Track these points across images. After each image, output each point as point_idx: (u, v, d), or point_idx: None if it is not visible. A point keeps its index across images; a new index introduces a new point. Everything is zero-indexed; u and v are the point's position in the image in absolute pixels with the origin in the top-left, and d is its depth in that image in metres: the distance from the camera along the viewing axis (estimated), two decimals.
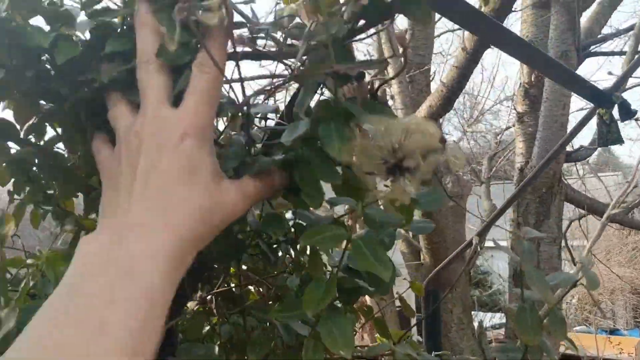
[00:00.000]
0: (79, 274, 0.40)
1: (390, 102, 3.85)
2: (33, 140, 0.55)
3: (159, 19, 0.47)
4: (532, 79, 3.51)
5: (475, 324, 4.47)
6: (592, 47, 3.53)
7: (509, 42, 0.84)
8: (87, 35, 0.51)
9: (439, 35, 4.93)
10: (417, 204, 0.57)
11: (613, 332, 8.31)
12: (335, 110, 0.49)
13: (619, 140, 0.94)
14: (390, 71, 3.25)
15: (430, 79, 3.59)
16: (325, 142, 0.47)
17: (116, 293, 0.38)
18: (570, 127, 3.44)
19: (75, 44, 0.49)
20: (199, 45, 0.47)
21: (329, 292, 0.53)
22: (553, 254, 3.48)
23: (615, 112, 0.96)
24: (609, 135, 0.95)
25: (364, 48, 5.20)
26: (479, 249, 1.21)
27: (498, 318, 11.08)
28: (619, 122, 0.95)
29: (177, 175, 0.44)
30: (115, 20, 0.52)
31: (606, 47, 3.94)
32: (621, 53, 3.78)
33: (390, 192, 0.45)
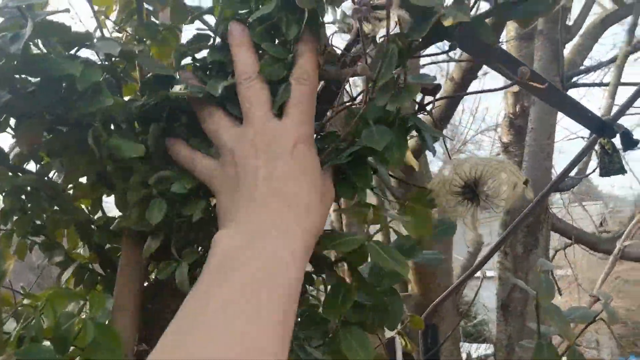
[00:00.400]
0: (228, 266, 0.43)
1: None
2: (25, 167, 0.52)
3: (259, 38, 0.52)
4: (517, 110, 3.54)
5: (464, 356, 4.42)
6: (575, 78, 3.59)
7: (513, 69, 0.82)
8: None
9: (423, 66, 4.96)
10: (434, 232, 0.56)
11: None
12: (400, 121, 0.53)
13: (622, 171, 0.93)
14: None
15: None
16: (385, 149, 0.50)
17: (265, 281, 0.42)
18: (555, 155, 3.47)
19: (98, 69, 0.48)
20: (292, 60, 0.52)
21: (349, 297, 0.55)
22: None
23: (617, 142, 0.95)
24: (611, 166, 0.93)
25: None
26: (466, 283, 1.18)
27: (484, 349, 11.01)
28: (620, 152, 0.94)
29: (295, 177, 0.49)
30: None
31: (588, 78, 4.01)
32: (602, 84, 3.85)
33: (460, 212, 0.52)
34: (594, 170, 3.01)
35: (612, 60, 3.53)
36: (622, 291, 10.82)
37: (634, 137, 0.93)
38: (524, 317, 3.38)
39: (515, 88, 3.50)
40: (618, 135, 0.94)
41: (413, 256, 0.59)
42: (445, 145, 0.68)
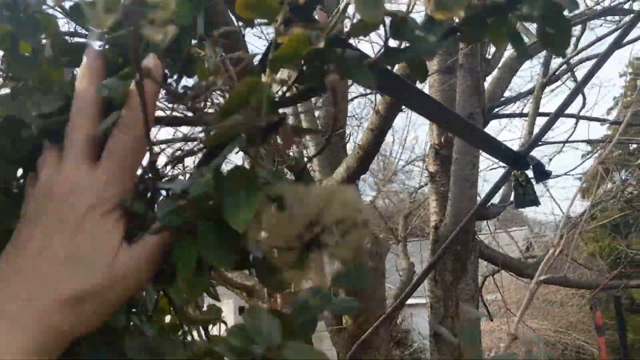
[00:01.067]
0: None
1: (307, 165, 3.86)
2: None
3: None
4: (442, 141, 3.63)
5: None
6: (495, 109, 3.73)
7: (426, 106, 0.82)
8: None
9: (352, 99, 5.07)
10: (338, 282, 0.50)
11: None
12: (247, 177, 0.42)
13: (536, 202, 0.94)
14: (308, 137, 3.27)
15: (346, 141, 3.64)
16: (227, 211, 0.40)
17: None
18: (480, 184, 3.57)
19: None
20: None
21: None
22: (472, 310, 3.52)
23: (530, 173, 0.96)
24: (525, 197, 0.95)
25: None
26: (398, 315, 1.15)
27: None
28: (534, 183, 0.95)
29: (67, 258, 0.41)
30: None
31: (508, 109, 4.20)
32: (522, 115, 4.04)
33: (303, 273, 0.37)
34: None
35: (530, 92, 3.71)
36: (549, 313, 11.23)
37: (546, 169, 0.95)
38: (455, 347, 3.41)
39: None
40: (531, 167, 0.96)
41: (313, 328, 0.53)
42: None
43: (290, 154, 4.07)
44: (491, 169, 4.51)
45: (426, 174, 3.98)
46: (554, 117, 1.10)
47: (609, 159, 5.61)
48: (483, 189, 4.75)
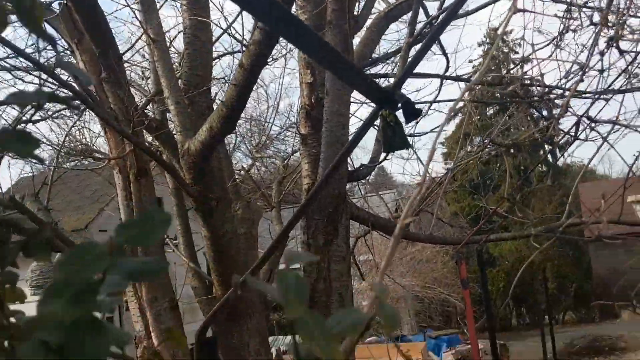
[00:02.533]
0: None
1: (170, 125, 3.59)
2: None
3: None
4: (313, 101, 3.54)
5: (274, 351, 4.35)
6: (365, 69, 3.69)
7: (299, 34, 0.68)
8: None
9: (219, 57, 4.81)
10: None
11: (400, 338, 8.91)
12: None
13: (406, 144, 0.84)
14: (166, 92, 3.01)
15: (212, 100, 3.41)
16: None
17: None
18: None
19: None
20: None
21: None
22: (343, 271, 3.51)
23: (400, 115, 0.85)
24: (394, 139, 0.83)
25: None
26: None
27: (298, 339, 11.28)
28: (404, 124, 0.85)
29: None
30: None
31: (377, 69, 4.19)
32: (390, 75, 4.05)
33: None
34: (385, 158, 3.07)
35: (398, 52, 3.72)
36: (416, 270, 11.87)
37: (416, 106, 0.84)
38: (328, 308, 3.39)
39: (310, 79, 3.50)
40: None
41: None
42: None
43: (150, 114, 3.77)
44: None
45: (299, 136, 3.88)
46: (419, 56, 1.00)
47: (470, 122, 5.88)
48: (354, 150, 4.76)
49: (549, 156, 27.97)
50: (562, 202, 16.56)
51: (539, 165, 27.89)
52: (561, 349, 11.05)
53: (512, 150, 25.63)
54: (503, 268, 17.69)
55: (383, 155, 3.69)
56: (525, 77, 3.75)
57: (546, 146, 27.91)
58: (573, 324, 17.30)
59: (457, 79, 3.68)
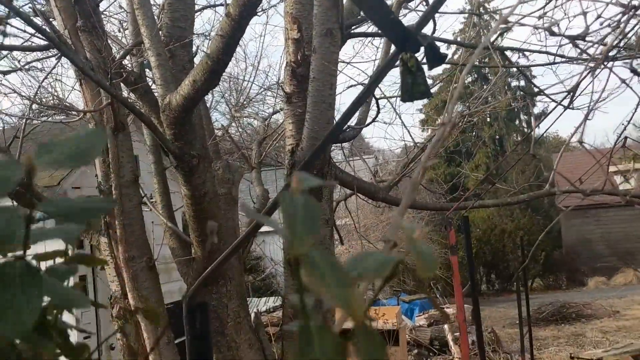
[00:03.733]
0: None
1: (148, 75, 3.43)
2: None
3: None
4: (299, 58, 3.40)
5: (252, 313, 4.32)
6: (353, 27, 3.56)
7: None
8: None
9: (200, 11, 4.61)
10: None
11: (374, 303, 9.00)
12: None
13: (427, 94, 0.74)
14: (147, 42, 2.85)
15: (194, 54, 3.26)
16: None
17: None
18: (336, 106, 3.43)
19: None
20: None
21: None
22: (326, 235, 3.45)
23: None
24: (414, 88, 0.73)
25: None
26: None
27: (272, 301, 11.33)
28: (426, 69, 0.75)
29: None
30: None
31: (364, 28, 4.04)
32: (379, 35, 3.92)
33: None
34: (373, 120, 2.96)
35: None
36: (398, 238, 11.97)
37: (440, 51, 0.74)
38: None
39: (296, 35, 3.36)
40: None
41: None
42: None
43: (128, 66, 3.59)
44: (349, 87, 4.40)
45: (281, 98, 3.75)
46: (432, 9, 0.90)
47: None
48: (340, 110, 4.64)
49: (524, 126, 28.23)
50: (536, 172, 16.77)
51: (514, 134, 28.12)
52: (530, 315, 11.32)
53: (488, 119, 25.75)
54: (475, 235, 17.95)
55: (370, 119, 3.59)
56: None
57: (522, 116, 28.14)
58: (541, 290, 17.74)
59: (463, 44, 3.58)
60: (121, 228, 2.99)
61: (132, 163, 3.05)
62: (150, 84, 3.36)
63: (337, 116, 3.65)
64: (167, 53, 2.83)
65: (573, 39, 2.68)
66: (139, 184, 3.23)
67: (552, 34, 2.60)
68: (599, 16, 2.61)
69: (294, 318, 3.36)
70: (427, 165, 0.66)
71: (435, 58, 0.75)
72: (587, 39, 2.43)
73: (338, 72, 3.41)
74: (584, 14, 2.45)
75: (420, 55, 0.80)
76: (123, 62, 3.22)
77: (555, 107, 3.02)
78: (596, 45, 2.62)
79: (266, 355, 3.63)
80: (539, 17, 3.00)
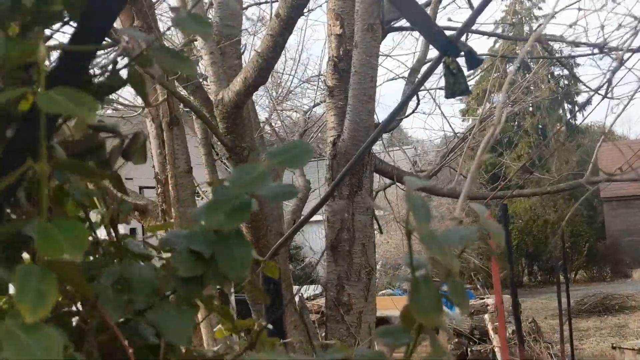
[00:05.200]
0: None
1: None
2: None
3: None
4: (341, 53, 3.55)
5: (296, 298, 4.50)
6: (394, 22, 3.68)
7: None
8: None
9: (246, 8, 4.80)
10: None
11: None
12: None
13: (467, 91, 0.89)
14: (200, 41, 3.05)
15: (242, 51, 3.45)
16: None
17: None
18: (377, 98, 3.56)
19: None
20: None
21: None
22: (367, 222, 3.59)
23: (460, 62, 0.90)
24: (456, 86, 0.89)
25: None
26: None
27: (312, 290, 11.56)
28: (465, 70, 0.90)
29: None
30: None
31: (405, 22, 4.13)
32: (408, 28, 4.01)
33: None
34: (413, 111, 3.10)
35: (427, 4, 3.70)
36: (431, 226, 12.03)
37: (478, 55, 0.89)
38: (351, 256, 3.48)
39: (339, 30, 3.50)
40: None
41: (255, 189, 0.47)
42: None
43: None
44: (389, 80, 4.52)
45: (322, 91, 3.90)
46: (476, 14, 1.04)
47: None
48: (380, 102, 4.76)
49: (568, 115, 27.61)
50: (580, 161, 16.46)
51: (557, 124, 27.54)
52: (572, 306, 11.23)
53: (530, 109, 25.33)
54: (517, 226, 17.79)
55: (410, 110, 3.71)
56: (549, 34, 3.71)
57: (565, 105, 27.53)
58: (584, 282, 17.48)
59: (502, 36, 3.66)
60: (177, 215, 3.20)
61: (186, 155, 3.26)
62: (200, 80, 3.56)
63: (377, 108, 3.79)
64: (218, 51, 3.02)
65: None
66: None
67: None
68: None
69: (336, 302, 3.52)
70: (482, 159, 0.80)
71: (473, 62, 0.90)
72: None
73: (378, 65, 3.54)
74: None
75: (460, 58, 0.95)
76: None
77: (592, 96, 3.08)
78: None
79: (310, 337, 3.81)
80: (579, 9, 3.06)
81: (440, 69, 1.16)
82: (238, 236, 0.49)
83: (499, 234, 0.58)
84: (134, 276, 0.57)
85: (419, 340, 0.54)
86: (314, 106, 6.56)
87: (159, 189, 3.20)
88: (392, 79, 4.46)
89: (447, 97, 0.89)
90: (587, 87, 3.75)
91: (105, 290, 0.55)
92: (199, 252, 0.49)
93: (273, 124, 7.20)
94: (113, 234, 0.69)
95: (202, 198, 3.74)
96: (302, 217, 2.10)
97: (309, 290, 11.50)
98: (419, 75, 4.08)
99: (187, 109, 3.30)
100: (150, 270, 0.59)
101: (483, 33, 3.73)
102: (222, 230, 0.49)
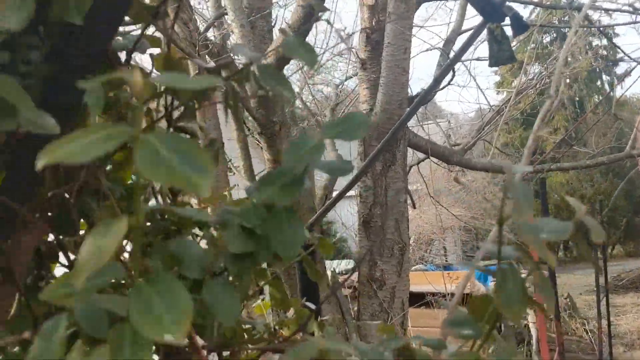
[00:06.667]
0: None
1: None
2: None
3: None
4: (373, 24, 3.47)
5: (328, 272, 4.51)
6: None
7: None
8: None
9: None
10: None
11: (447, 268, 9.04)
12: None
13: (512, 59, 0.83)
14: (231, 14, 3.01)
15: (272, 24, 3.39)
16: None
17: None
18: (410, 70, 3.48)
19: None
20: None
21: None
22: (400, 198, 3.55)
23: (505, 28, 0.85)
24: (500, 54, 0.83)
25: None
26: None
27: (344, 264, 11.60)
28: (510, 37, 0.84)
29: None
30: None
31: None
32: None
33: None
34: (449, 83, 3.03)
35: None
36: (465, 201, 11.87)
37: (524, 20, 0.83)
38: (384, 232, 3.45)
39: (371, 1, 3.42)
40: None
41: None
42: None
43: (212, 37, 3.78)
44: (424, 51, 4.40)
45: (354, 65, 3.83)
46: None
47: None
48: (413, 75, 4.67)
49: (607, 87, 26.77)
50: (618, 134, 16.01)
51: (595, 96, 26.77)
52: (608, 282, 11.03)
53: (567, 80, 24.60)
54: (553, 201, 17.46)
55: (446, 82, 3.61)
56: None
57: (604, 77, 26.68)
58: (621, 257, 17.14)
59: (541, 5, 3.53)
60: (210, 189, 3.21)
61: (218, 130, 3.25)
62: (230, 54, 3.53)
63: (410, 81, 3.70)
64: (249, 24, 2.97)
65: None
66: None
67: None
68: None
69: (369, 278, 3.51)
70: (538, 134, 0.75)
71: (520, 27, 0.84)
72: None
73: (412, 36, 3.45)
74: None
75: (505, 24, 0.89)
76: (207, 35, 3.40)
77: (634, 67, 2.94)
78: None
79: (343, 311, 3.81)
80: None
81: (480, 37, 1.11)
82: (290, 213, 0.47)
83: (597, 228, 0.54)
84: (185, 252, 0.55)
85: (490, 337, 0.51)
86: (346, 79, 6.48)
87: None
88: (425, 50, 4.35)
89: (490, 65, 0.83)
90: (628, 56, 3.59)
91: (156, 267, 0.53)
92: (251, 228, 0.47)
93: (304, 99, 7.15)
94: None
95: (234, 173, 3.75)
96: (337, 193, 2.07)
97: (340, 265, 11.56)
98: (455, 47, 3.97)
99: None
100: (199, 247, 0.57)
101: (520, 1, 3.59)
102: (274, 207, 0.47)
